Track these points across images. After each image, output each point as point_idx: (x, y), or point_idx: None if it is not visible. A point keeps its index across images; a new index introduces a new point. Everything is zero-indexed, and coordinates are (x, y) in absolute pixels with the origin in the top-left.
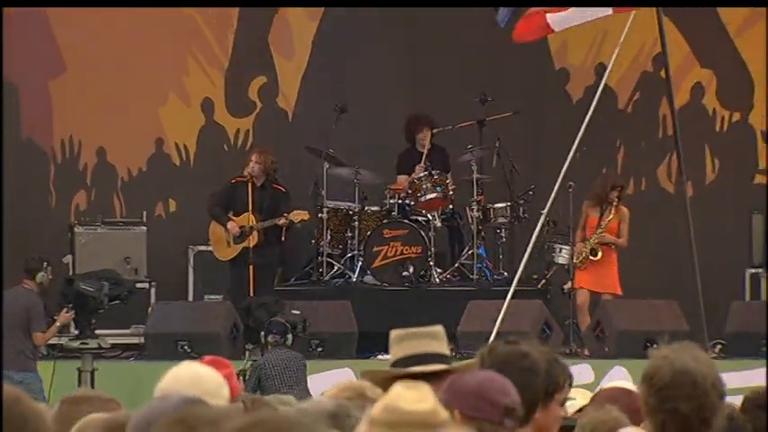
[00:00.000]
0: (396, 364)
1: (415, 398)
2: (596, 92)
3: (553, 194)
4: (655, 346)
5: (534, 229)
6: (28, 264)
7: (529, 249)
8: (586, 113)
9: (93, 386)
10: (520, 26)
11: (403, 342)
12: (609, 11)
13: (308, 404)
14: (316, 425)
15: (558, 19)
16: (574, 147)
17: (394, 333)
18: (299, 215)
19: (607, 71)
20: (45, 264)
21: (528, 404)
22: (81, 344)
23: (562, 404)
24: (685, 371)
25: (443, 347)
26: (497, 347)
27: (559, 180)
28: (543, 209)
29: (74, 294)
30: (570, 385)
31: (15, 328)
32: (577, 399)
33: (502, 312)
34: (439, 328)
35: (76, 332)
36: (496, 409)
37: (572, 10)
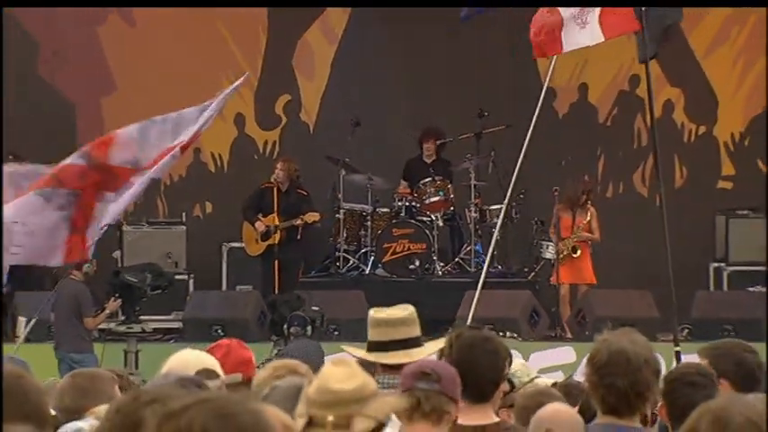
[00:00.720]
0: (370, 346)
1: (343, 376)
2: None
3: (509, 192)
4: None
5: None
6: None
7: (493, 242)
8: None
9: (137, 366)
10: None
11: (380, 327)
12: (600, 37)
13: (283, 381)
14: (258, 406)
15: (566, 39)
16: (524, 147)
17: (372, 317)
18: (311, 217)
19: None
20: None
21: (493, 382)
22: (127, 328)
23: (504, 381)
24: (620, 351)
25: (414, 331)
26: (464, 333)
27: (513, 179)
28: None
29: (120, 285)
30: (510, 363)
31: (70, 314)
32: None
33: (474, 300)
34: (409, 315)
35: (123, 318)
36: (413, 378)
37: (570, 35)
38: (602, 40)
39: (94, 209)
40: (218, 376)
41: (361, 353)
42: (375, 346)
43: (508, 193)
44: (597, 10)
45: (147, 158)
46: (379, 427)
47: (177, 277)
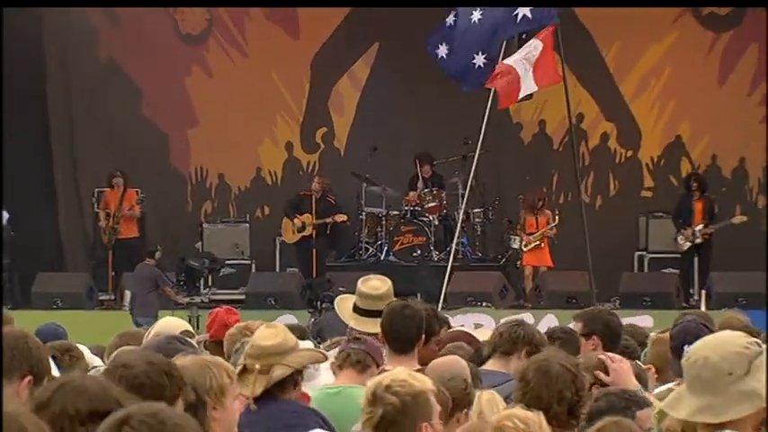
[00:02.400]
0: (355, 308)
1: (269, 335)
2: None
3: (467, 191)
4: (573, 300)
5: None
6: (148, 248)
7: (457, 233)
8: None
9: (198, 327)
10: (500, 93)
11: (363, 298)
12: (534, 87)
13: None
14: (103, 380)
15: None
16: (476, 154)
17: (359, 288)
18: (341, 217)
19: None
20: (158, 246)
21: (408, 339)
22: (190, 300)
23: (438, 342)
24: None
25: (385, 304)
26: (391, 303)
27: (470, 179)
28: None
29: (185, 267)
30: (440, 327)
31: (143, 288)
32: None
33: (446, 278)
34: (386, 291)
35: (186, 292)
36: (347, 342)
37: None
38: (536, 89)
39: None
40: (194, 336)
41: (347, 314)
42: (357, 311)
43: (462, 205)
44: (530, 67)
45: None
46: (294, 374)
47: (242, 262)
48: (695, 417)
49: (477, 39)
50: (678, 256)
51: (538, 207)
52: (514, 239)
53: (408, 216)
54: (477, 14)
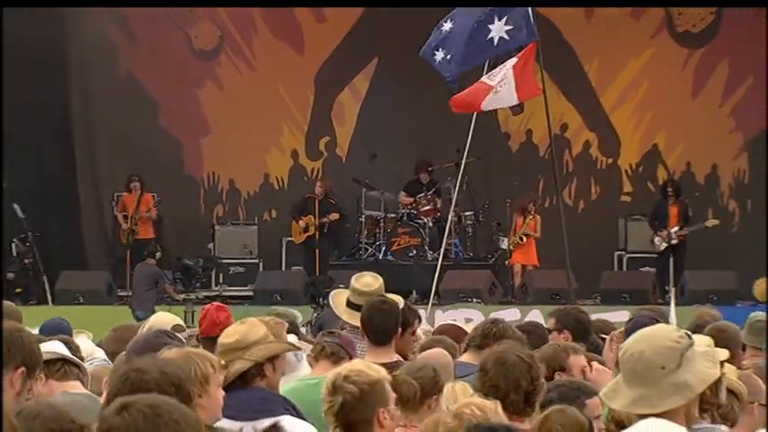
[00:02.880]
0: (348, 303)
1: (231, 331)
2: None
3: (455, 195)
4: (557, 297)
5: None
6: (148, 249)
7: (446, 234)
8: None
9: (193, 322)
10: (457, 99)
11: (359, 295)
12: (516, 100)
13: None
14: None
15: (486, 102)
16: (463, 161)
17: (352, 284)
18: (333, 216)
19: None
20: (159, 247)
21: (385, 332)
22: (186, 296)
23: (413, 333)
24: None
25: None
26: (371, 300)
27: (458, 184)
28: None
29: (181, 266)
30: (419, 322)
31: (144, 285)
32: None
33: (436, 275)
34: (377, 288)
35: (182, 289)
36: (323, 336)
37: (492, 98)
38: (517, 102)
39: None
40: (184, 330)
41: (341, 309)
42: (350, 306)
43: (452, 207)
44: (512, 81)
45: None
46: (257, 366)
47: (251, 261)
48: (630, 407)
49: (438, 40)
50: (655, 255)
51: (529, 211)
52: (503, 240)
53: (405, 218)
54: (447, 25)
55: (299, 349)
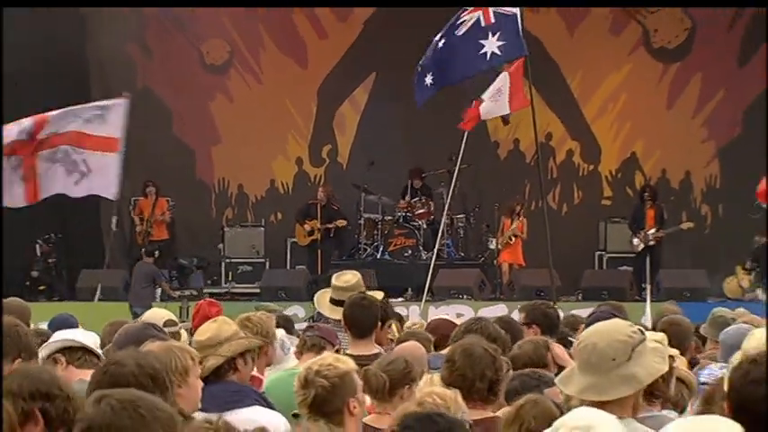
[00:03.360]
0: (331, 301)
1: (204, 330)
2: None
3: (448, 199)
4: (541, 293)
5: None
6: (147, 249)
7: (439, 235)
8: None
9: (188, 317)
10: (516, 98)
11: (336, 290)
12: (508, 110)
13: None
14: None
15: (483, 111)
16: (456, 168)
17: (333, 282)
18: (341, 223)
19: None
20: (157, 247)
21: (366, 325)
22: (180, 293)
23: (389, 326)
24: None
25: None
26: (352, 297)
27: (451, 189)
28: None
29: (177, 265)
30: (399, 320)
31: (141, 283)
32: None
33: (429, 273)
34: (355, 283)
35: (178, 286)
36: (305, 330)
37: (486, 107)
38: (509, 111)
39: (36, 166)
40: (176, 324)
41: (324, 306)
42: (333, 302)
43: (445, 211)
44: (507, 92)
45: (60, 129)
46: (229, 361)
47: (258, 260)
48: (582, 394)
49: (432, 62)
50: (632, 255)
51: (516, 212)
52: (492, 241)
53: (401, 221)
54: (441, 41)
55: (269, 344)
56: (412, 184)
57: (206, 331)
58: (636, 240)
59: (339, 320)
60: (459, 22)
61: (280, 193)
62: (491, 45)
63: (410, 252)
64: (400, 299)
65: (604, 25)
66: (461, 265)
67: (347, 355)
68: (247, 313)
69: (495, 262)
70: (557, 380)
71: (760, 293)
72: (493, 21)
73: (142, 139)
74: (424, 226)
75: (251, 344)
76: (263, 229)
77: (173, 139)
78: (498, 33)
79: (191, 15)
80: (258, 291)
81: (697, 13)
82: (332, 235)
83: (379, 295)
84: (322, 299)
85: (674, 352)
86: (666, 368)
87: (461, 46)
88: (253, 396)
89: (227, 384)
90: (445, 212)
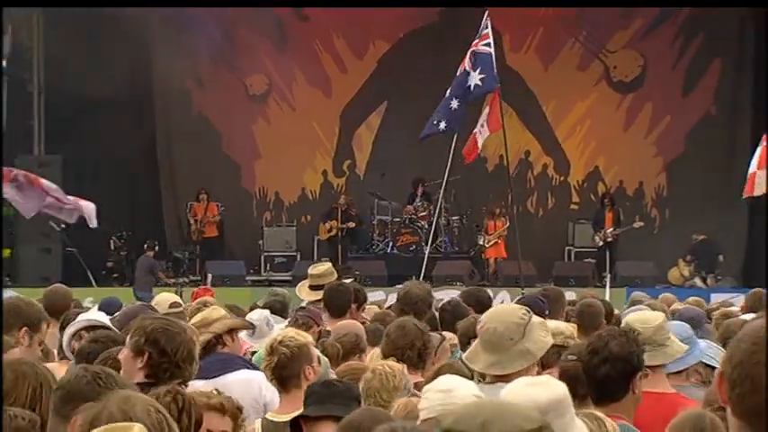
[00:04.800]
0: (309, 287)
1: (198, 314)
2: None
3: (440, 203)
4: (518, 281)
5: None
6: (148, 244)
7: (432, 231)
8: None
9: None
10: (467, 152)
11: (315, 278)
12: (488, 132)
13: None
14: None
15: (479, 143)
16: (444, 180)
17: (309, 272)
18: (350, 225)
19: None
20: (156, 243)
21: (341, 306)
22: (174, 281)
23: (364, 309)
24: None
25: (327, 280)
26: (330, 283)
27: (441, 199)
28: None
29: (172, 258)
30: (365, 301)
31: (143, 273)
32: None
33: (424, 265)
34: (325, 270)
35: (173, 275)
36: (296, 311)
37: (479, 138)
38: (489, 134)
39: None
40: (180, 306)
41: (303, 292)
42: (312, 288)
43: (435, 215)
44: (485, 121)
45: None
46: (216, 337)
47: (290, 254)
48: (487, 370)
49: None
50: (595, 250)
51: (496, 214)
52: (480, 238)
53: (406, 222)
54: (455, 103)
55: (253, 327)
56: (415, 192)
57: (198, 315)
58: (597, 238)
59: (315, 302)
60: (458, 73)
61: (309, 199)
62: (473, 79)
63: (414, 247)
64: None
65: (573, 62)
66: (456, 258)
67: (326, 331)
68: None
69: (482, 255)
70: (464, 357)
71: (698, 281)
72: (474, 60)
73: (197, 155)
74: (426, 226)
75: (235, 323)
76: (294, 228)
77: (222, 155)
78: (479, 68)
79: (237, 54)
80: (290, 278)
81: (648, 53)
82: (347, 233)
83: (354, 284)
84: (302, 289)
85: (553, 322)
86: (551, 341)
87: (457, 89)
88: (239, 362)
89: (218, 355)
90: (436, 214)
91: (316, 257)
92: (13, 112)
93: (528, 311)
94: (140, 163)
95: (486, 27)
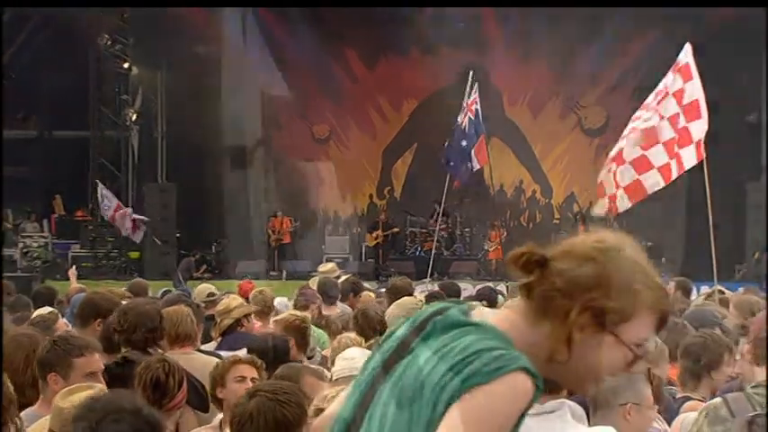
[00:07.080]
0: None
1: (221, 303)
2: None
3: (439, 215)
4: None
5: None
6: (186, 251)
7: (435, 236)
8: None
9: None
10: (480, 158)
11: (323, 274)
12: (477, 165)
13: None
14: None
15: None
16: (441, 205)
17: (319, 269)
18: (395, 230)
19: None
20: (193, 252)
21: (333, 296)
22: (200, 275)
23: (360, 297)
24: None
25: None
26: (326, 277)
27: (439, 214)
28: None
29: (184, 258)
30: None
31: (184, 271)
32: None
33: (430, 264)
34: (330, 268)
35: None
36: (297, 294)
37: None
38: (479, 167)
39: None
40: (215, 295)
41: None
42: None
43: (437, 225)
44: (474, 153)
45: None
46: (236, 321)
47: (345, 256)
48: None
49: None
50: None
51: (497, 226)
52: (486, 244)
53: (431, 233)
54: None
55: (271, 310)
56: (437, 210)
57: (221, 304)
58: None
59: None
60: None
61: (358, 216)
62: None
63: (435, 251)
64: (428, 279)
65: (555, 114)
66: (467, 259)
67: (322, 316)
68: (260, 288)
69: (487, 257)
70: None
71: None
72: (472, 118)
73: (278, 185)
74: (446, 236)
75: (249, 309)
76: (348, 237)
77: (295, 184)
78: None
79: (305, 104)
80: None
81: (610, 107)
82: (388, 240)
83: (351, 277)
84: (312, 281)
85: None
86: None
87: (460, 136)
88: (251, 337)
89: (238, 334)
90: (438, 226)
91: (364, 258)
92: (146, 152)
93: (421, 300)
94: (234, 190)
95: (476, 92)
